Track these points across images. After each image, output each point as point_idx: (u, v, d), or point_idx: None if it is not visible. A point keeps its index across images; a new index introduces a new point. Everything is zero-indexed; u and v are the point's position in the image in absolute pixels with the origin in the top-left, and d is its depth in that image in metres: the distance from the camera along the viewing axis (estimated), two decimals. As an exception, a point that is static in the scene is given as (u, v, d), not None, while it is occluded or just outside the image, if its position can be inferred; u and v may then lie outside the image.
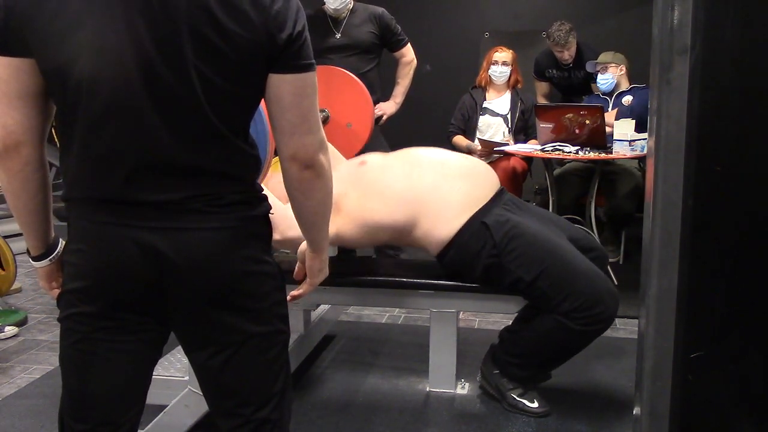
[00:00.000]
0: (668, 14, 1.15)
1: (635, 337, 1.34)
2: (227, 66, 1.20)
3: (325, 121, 3.10)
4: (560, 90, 5.08)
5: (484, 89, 4.54)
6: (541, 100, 4.99)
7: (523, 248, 2.34)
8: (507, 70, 4.43)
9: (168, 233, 1.22)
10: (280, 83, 1.25)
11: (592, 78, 4.68)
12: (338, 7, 3.76)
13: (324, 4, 3.79)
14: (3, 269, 3.52)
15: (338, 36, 3.80)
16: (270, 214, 1.36)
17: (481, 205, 2.42)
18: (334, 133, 3.06)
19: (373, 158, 2.59)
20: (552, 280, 2.31)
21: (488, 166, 2.68)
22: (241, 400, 1.35)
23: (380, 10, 3.86)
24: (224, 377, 1.33)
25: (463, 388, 2.66)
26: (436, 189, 2.42)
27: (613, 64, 4.40)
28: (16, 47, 1.19)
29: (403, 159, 2.54)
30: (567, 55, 4.74)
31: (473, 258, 2.38)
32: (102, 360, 1.30)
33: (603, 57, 4.49)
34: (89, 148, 1.21)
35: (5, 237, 3.85)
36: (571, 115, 3.88)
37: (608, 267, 2.75)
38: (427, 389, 2.67)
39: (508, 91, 4.50)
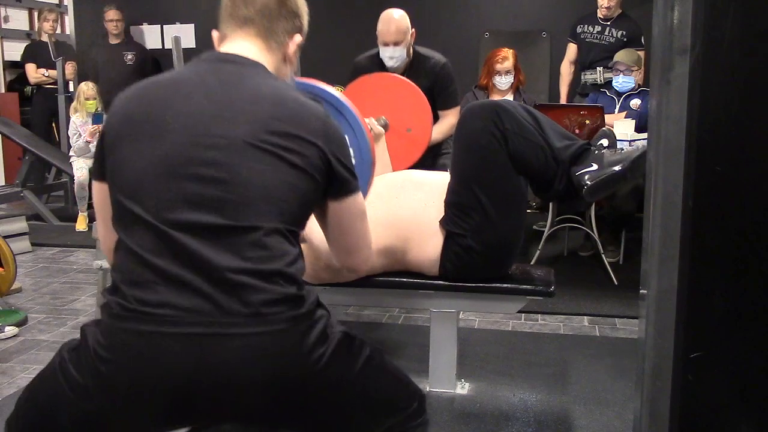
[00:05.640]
0: (668, 14, 1.15)
1: (635, 337, 1.34)
2: (288, 164, 1.23)
3: (385, 128, 2.97)
4: (587, 54, 4.88)
5: (487, 90, 4.54)
6: (566, 68, 4.93)
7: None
8: (511, 76, 4.43)
9: (212, 341, 1.16)
10: (339, 209, 1.33)
11: (628, 42, 4.59)
12: (393, 66, 3.42)
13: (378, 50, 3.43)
14: (3, 269, 3.52)
15: None
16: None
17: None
18: (393, 139, 3.01)
19: None
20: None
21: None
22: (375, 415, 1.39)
23: (442, 62, 3.51)
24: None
25: (463, 388, 2.66)
26: (415, 211, 2.40)
27: (636, 67, 4.32)
28: (106, 172, 1.29)
29: (383, 185, 2.51)
30: (607, 2, 4.65)
31: (466, 256, 2.36)
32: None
33: (627, 57, 4.34)
34: (144, 241, 1.21)
35: (5, 237, 3.86)
36: (571, 115, 3.88)
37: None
38: (427, 389, 2.66)
39: (511, 92, 4.50)
